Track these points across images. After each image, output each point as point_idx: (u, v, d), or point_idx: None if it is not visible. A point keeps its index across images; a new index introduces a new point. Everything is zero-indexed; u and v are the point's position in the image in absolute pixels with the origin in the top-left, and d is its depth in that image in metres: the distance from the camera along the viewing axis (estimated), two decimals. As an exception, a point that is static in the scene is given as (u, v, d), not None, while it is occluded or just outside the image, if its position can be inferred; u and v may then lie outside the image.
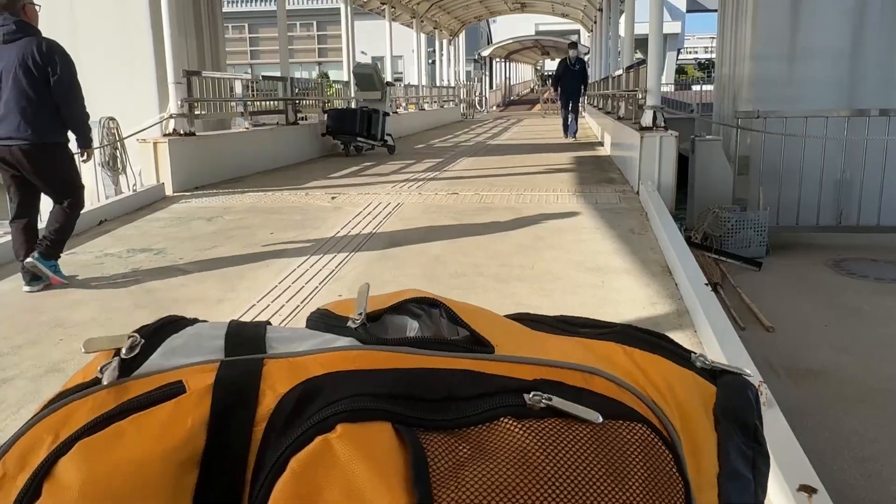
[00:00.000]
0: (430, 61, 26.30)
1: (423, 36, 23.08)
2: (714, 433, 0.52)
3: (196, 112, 8.10)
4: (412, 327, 0.61)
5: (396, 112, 15.09)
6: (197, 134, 7.96)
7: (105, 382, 0.47)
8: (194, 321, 0.56)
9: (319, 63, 51.89)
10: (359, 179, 8.48)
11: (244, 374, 0.47)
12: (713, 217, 6.47)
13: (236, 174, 8.41)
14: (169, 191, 7.23)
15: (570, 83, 14.22)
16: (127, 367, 0.48)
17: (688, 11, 46.78)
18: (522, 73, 60.88)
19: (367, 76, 11.33)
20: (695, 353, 0.57)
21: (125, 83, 8.98)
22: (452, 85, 25.93)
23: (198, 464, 0.44)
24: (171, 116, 7.65)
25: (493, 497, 0.40)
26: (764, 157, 7.01)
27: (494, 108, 37.02)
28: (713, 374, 0.56)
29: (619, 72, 12.03)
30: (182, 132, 7.68)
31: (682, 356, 0.56)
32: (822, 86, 7.87)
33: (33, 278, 4.07)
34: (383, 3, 16.49)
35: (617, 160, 9.32)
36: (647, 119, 7.04)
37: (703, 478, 0.50)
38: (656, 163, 6.63)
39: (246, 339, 0.52)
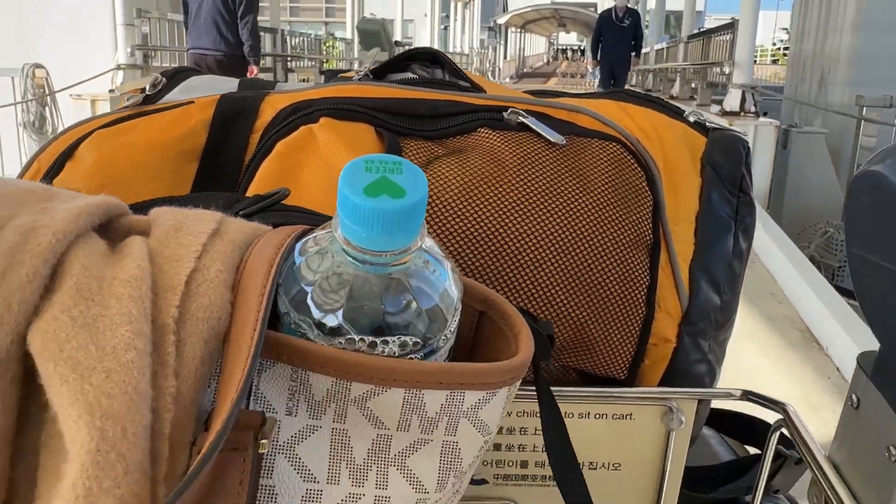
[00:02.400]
0: (443, 27, 24.45)
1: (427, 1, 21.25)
2: (699, 178, 0.54)
3: (155, 64, 6.44)
4: (412, 77, 0.62)
5: (405, 78, 13.43)
6: (153, 91, 6.33)
7: (128, 105, 0.53)
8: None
9: (326, 23, 49.80)
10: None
11: (249, 96, 0.53)
12: (824, 237, 4.82)
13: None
14: (109, 163, 5.63)
15: (615, 47, 9.43)
16: (148, 100, 0.54)
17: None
18: (536, 45, 58.77)
19: (374, 34, 9.64)
20: (689, 110, 0.59)
21: (74, 25, 7.29)
22: (466, 52, 24.09)
23: (198, 157, 0.50)
24: (118, 67, 6.00)
25: (462, 182, 0.45)
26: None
27: (507, 79, 35.12)
28: (706, 128, 0.57)
29: (661, 45, 10.42)
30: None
31: (675, 111, 0.59)
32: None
33: None
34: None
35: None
36: (733, 101, 5.41)
37: (681, 214, 0.52)
38: (747, 160, 5.01)
39: (258, 84, 0.57)
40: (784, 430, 0.46)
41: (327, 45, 11.22)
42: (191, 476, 0.23)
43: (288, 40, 9.53)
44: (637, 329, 0.48)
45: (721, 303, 0.53)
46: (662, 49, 11.41)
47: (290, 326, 0.29)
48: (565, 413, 0.44)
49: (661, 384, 0.51)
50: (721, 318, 0.53)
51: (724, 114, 5.47)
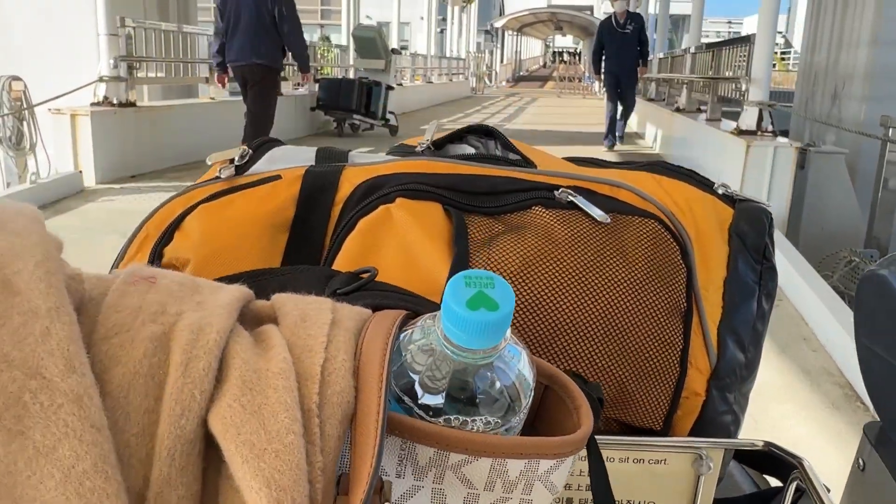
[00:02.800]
0: (439, 30, 24.16)
1: (434, 1, 20.96)
2: (727, 247, 0.59)
3: (140, 75, 6.14)
4: (469, 151, 0.67)
5: (401, 84, 13.09)
6: (138, 104, 6.01)
7: (223, 177, 0.58)
8: (283, 143, 0.66)
9: (322, 25, 49.38)
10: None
11: (329, 171, 0.59)
12: (848, 266, 4.54)
13: (194, 157, 6.48)
14: (90, 181, 5.31)
15: (619, 56, 8.67)
16: (238, 170, 0.59)
17: (707, -8, 44.70)
18: (533, 48, 58.54)
19: (370, 40, 9.33)
20: (718, 183, 0.64)
21: (56, 36, 6.97)
22: (463, 56, 23.80)
23: (287, 229, 0.56)
24: (101, 80, 5.69)
25: (521, 258, 0.51)
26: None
27: (504, 83, 34.90)
28: (733, 200, 0.62)
29: (671, 52, 10.09)
30: (116, 101, 5.72)
31: (705, 184, 0.63)
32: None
33: None
34: (393, -42, 14.37)
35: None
36: (749, 120, 5.13)
37: (711, 280, 0.58)
38: (766, 185, 4.73)
39: (333, 155, 0.62)
40: (800, 482, 0.50)
41: (322, 50, 10.89)
42: None
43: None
44: (671, 387, 0.54)
45: (745, 360, 0.58)
46: (666, 58, 11.11)
47: (395, 402, 0.35)
48: (608, 458, 0.51)
49: (691, 432, 0.56)
50: (745, 373, 0.59)
51: (740, 132, 5.19)
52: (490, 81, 30.75)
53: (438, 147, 0.66)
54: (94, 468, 0.27)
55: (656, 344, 0.53)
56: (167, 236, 0.55)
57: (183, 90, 7.76)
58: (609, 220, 0.53)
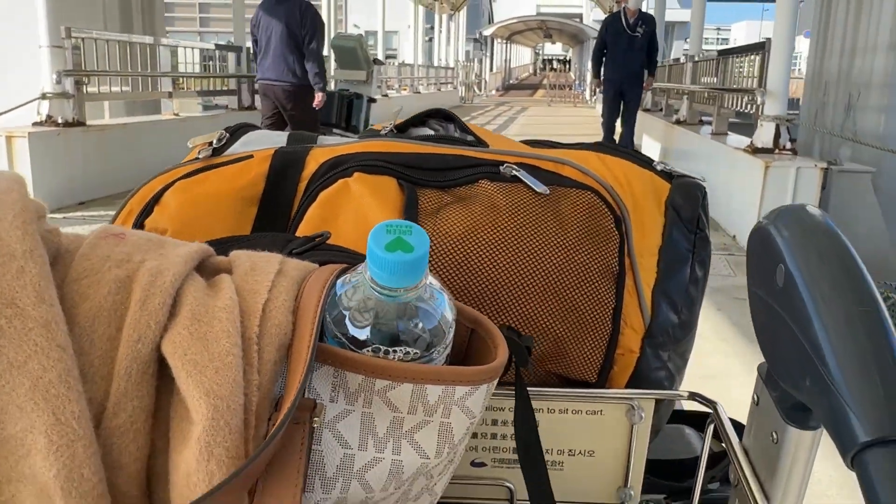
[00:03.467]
0: (427, 38, 23.67)
1: (421, 10, 20.48)
2: (662, 218, 0.64)
3: (90, 90, 5.55)
4: (429, 133, 0.74)
5: (386, 95, 12.54)
6: (88, 123, 5.42)
7: (200, 157, 0.63)
8: (259, 127, 0.71)
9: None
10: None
11: (297, 150, 0.64)
12: (886, 304, 3.99)
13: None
14: (29, 211, 4.71)
15: (625, 62, 7.31)
16: (216, 151, 0.64)
17: (696, -1, 44.49)
18: (522, 56, 58.25)
19: (350, 51, 8.76)
20: (658, 161, 0.68)
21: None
22: (451, 66, 23.31)
23: (257, 202, 0.61)
24: (43, 97, 5.11)
25: (465, 226, 0.56)
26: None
27: (494, 91, 34.46)
28: (670, 176, 0.67)
29: (675, 60, 9.54)
30: (61, 120, 5.14)
31: (646, 162, 0.68)
32: None
33: None
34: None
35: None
36: (766, 136, 4.60)
37: (646, 248, 0.62)
38: (788, 209, 4.19)
39: (303, 139, 0.68)
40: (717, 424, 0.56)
41: None
42: (270, 438, 0.34)
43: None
44: (604, 342, 0.59)
45: (679, 321, 0.63)
46: (663, 66, 10.59)
47: (332, 338, 0.39)
48: (547, 409, 0.58)
49: (627, 387, 0.61)
50: (679, 333, 0.63)
51: (755, 150, 4.66)
52: (479, 90, 30.31)
53: (402, 130, 0.74)
54: (59, 379, 0.33)
55: (589, 302, 0.57)
56: (148, 210, 0.59)
57: (149, 106, 7.16)
58: (548, 192, 0.58)
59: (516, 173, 0.59)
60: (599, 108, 21.48)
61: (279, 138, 0.67)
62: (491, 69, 35.27)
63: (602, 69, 7.55)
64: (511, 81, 44.80)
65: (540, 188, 0.58)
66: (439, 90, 20.24)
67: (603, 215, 0.59)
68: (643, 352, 0.60)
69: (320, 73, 5.17)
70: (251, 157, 0.63)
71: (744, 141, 5.24)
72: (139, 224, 0.59)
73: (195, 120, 6.86)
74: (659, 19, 14.20)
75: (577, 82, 31.92)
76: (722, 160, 5.45)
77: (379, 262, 0.37)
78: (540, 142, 0.73)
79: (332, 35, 9.66)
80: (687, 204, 0.64)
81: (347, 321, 0.39)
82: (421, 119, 0.76)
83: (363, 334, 0.38)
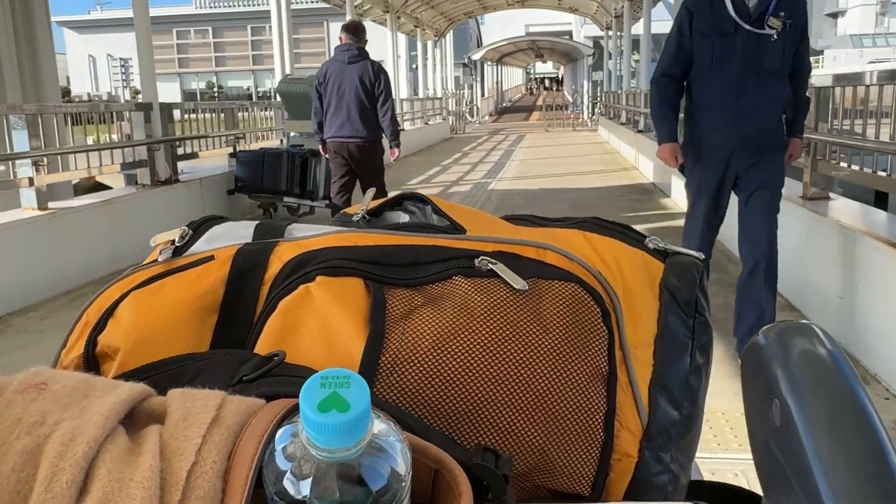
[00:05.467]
0: (412, 66, 22.04)
1: (401, 37, 18.84)
2: (657, 302, 0.58)
3: None
4: (403, 218, 0.68)
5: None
6: None
7: (160, 260, 0.59)
8: (228, 218, 0.66)
9: (254, 71, 47.26)
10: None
11: (260, 249, 0.58)
12: None
13: (10, 306, 4.11)
14: None
15: (745, 96, 2.85)
16: (178, 251, 0.60)
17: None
18: (513, 77, 56.96)
19: (300, 96, 6.99)
20: (650, 238, 0.63)
21: None
22: (439, 95, 21.63)
23: (217, 310, 0.56)
24: None
25: (436, 331, 0.51)
26: None
27: (487, 117, 32.86)
28: (664, 254, 0.61)
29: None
30: None
31: (636, 240, 0.62)
32: None
33: None
34: (341, -10, 12.17)
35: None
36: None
37: (640, 338, 0.56)
38: None
39: (271, 230, 0.62)
40: None
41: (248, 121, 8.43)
42: None
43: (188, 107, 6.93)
44: (597, 452, 0.53)
45: (680, 416, 0.56)
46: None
47: (272, 499, 0.36)
48: None
49: (626, 494, 0.55)
50: (682, 430, 0.57)
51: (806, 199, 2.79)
52: (472, 117, 28.69)
53: (377, 214, 0.68)
54: None
55: (577, 409, 0.52)
56: (101, 324, 0.55)
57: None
58: (527, 288, 0.53)
59: (492, 267, 0.54)
60: (601, 131, 19.76)
61: (246, 231, 0.62)
62: (483, 94, 33.67)
63: (687, 122, 3.12)
64: (504, 104, 43.35)
65: (518, 284, 0.53)
66: (427, 124, 18.52)
67: (588, 310, 0.54)
68: (642, 455, 0.54)
69: (395, 132, 5.36)
70: (212, 258, 0.58)
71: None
72: (92, 340, 0.54)
73: (78, 214, 5.02)
74: (645, 31, 12.82)
75: (573, 103, 30.25)
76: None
77: (311, 424, 0.34)
78: (522, 218, 0.68)
79: (280, 77, 7.81)
80: (683, 285, 0.58)
81: (286, 482, 0.35)
82: (397, 201, 0.69)
83: (302, 495, 0.35)
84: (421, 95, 19.70)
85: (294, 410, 0.38)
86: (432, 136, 18.48)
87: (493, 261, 0.54)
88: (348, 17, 12.30)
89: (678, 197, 7.56)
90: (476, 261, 0.55)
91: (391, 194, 0.71)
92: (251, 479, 0.35)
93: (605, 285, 0.56)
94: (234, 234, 0.61)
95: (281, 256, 0.57)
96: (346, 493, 0.35)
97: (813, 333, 0.40)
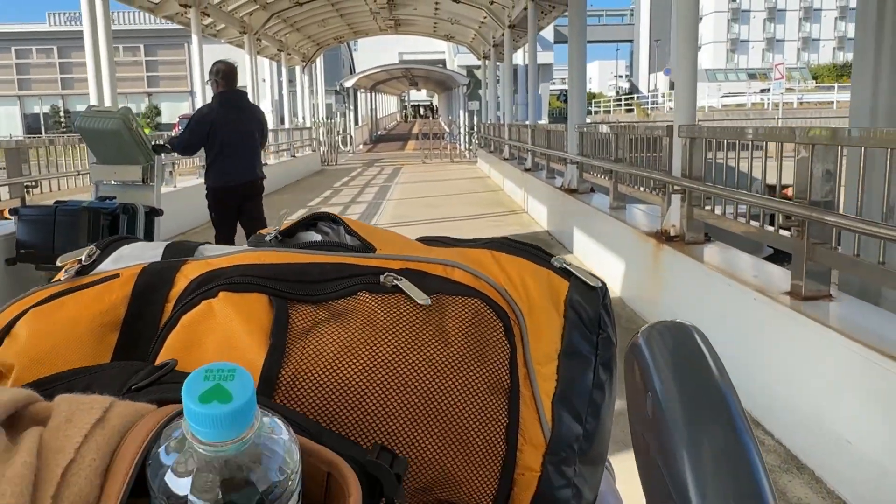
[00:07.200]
0: (278, 94, 20.30)
1: (266, 62, 17.20)
2: (562, 319, 0.58)
3: None
4: (316, 238, 0.67)
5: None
6: None
7: (64, 279, 0.58)
8: (140, 239, 0.65)
9: (150, 94, 43.96)
10: None
11: (166, 267, 0.57)
12: None
13: None
14: None
15: None
16: (84, 270, 0.59)
17: (556, 43, 44.38)
18: (388, 105, 56.11)
19: (110, 134, 5.35)
20: (556, 257, 0.63)
21: None
22: (308, 125, 20.06)
23: (118, 328, 0.54)
24: None
25: (338, 345, 0.50)
26: None
27: (361, 146, 31.54)
28: (569, 273, 0.61)
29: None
30: None
31: (543, 259, 0.62)
32: None
33: None
34: (185, 6, 10.40)
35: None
36: None
37: (545, 353, 0.56)
38: None
39: (181, 250, 0.62)
40: None
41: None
42: None
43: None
44: (498, 465, 0.52)
45: (584, 431, 0.56)
46: (519, 126, 7.87)
47: (155, 500, 0.34)
48: None
49: None
50: (585, 445, 0.56)
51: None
52: (346, 146, 27.26)
53: (290, 235, 0.67)
54: None
55: (478, 422, 0.51)
56: None
57: None
58: (429, 303, 0.53)
59: (397, 283, 0.53)
60: (481, 164, 18.95)
61: (155, 251, 0.62)
62: (356, 122, 32.32)
63: None
64: (380, 132, 42.23)
65: (421, 299, 0.53)
66: (294, 157, 16.93)
67: (490, 324, 0.54)
68: (544, 469, 0.54)
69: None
70: (117, 276, 0.57)
71: None
72: None
73: None
74: (531, 62, 12.00)
75: (449, 133, 29.50)
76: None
77: (192, 415, 0.33)
78: (436, 239, 0.67)
79: (83, 111, 6.03)
80: (587, 302, 0.59)
81: (168, 480, 0.34)
82: (312, 221, 0.68)
83: (183, 492, 0.34)
84: (288, 125, 18.02)
85: (181, 413, 0.36)
86: (300, 168, 16.92)
87: (399, 277, 0.54)
88: (195, 38, 10.60)
89: (582, 253, 6.50)
90: (381, 277, 0.54)
91: (301, 213, 0.72)
92: (131, 475, 0.34)
93: (509, 301, 0.56)
94: (143, 254, 0.62)
95: (187, 275, 0.56)
96: (229, 492, 0.34)
97: (685, 331, 0.42)
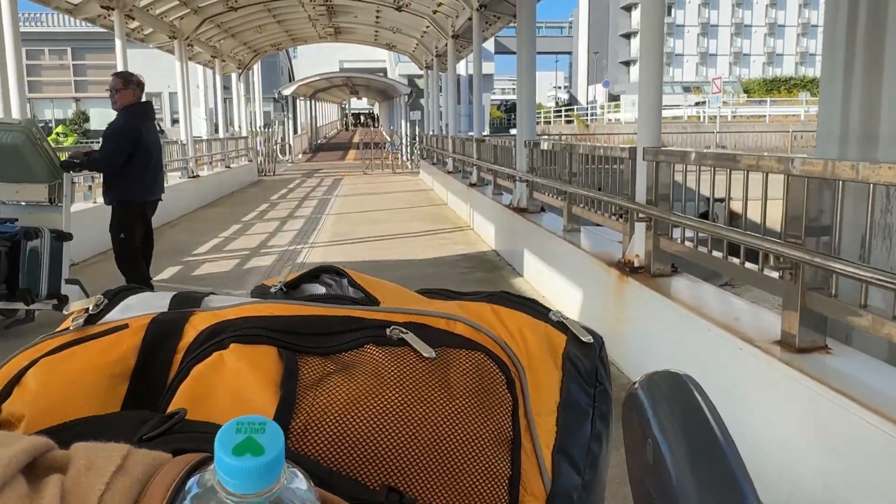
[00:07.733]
0: (213, 103, 19.47)
1: (200, 68, 16.44)
2: (559, 372, 0.59)
3: None
4: (320, 290, 0.69)
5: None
6: None
7: (72, 328, 0.58)
8: (147, 290, 0.65)
9: (77, 99, 42.01)
10: None
11: (175, 318, 0.58)
12: None
13: None
14: None
15: None
16: (91, 319, 0.59)
17: (496, 53, 44.56)
18: (329, 112, 55.24)
19: (7, 150, 4.74)
20: (553, 311, 0.64)
21: None
22: (244, 134, 19.32)
23: (128, 378, 0.54)
24: None
25: (347, 397, 0.51)
26: None
27: (301, 155, 30.78)
28: (566, 327, 0.63)
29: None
30: None
31: (541, 313, 0.64)
32: None
33: None
34: (107, 8, 9.67)
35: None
36: None
37: (544, 405, 0.57)
38: None
39: (188, 301, 0.62)
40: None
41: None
42: None
43: None
44: None
45: (582, 482, 0.57)
46: (470, 140, 7.57)
47: None
48: None
49: None
50: (583, 495, 0.57)
51: None
52: (284, 155, 26.49)
53: (295, 287, 0.68)
54: None
55: (482, 473, 0.53)
56: (6, 391, 0.53)
57: None
58: (434, 356, 0.54)
59: (403, 336, 0.55)
60: (424, 175, 18.51)
61: (162, 302, 0.62)
62: (296, 131, 31.53)
63: None
64: (320, 141, 41.42)
65: (426, 352, 0.54)
66: (229, 167, 16.21)
67: (493, 377, 0.55)
68: None
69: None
70: (126, 326, 0.58)
71: None
72: None
73: None
74: (476, 72, 11.73)
75: (390, 142, 29.00)
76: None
77: (225, 467, 0.34)
78: (437, 291, 0.69)
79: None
80: (584, 356, 0.61)
81: None
82: (315, 274, 0.70)
83: None
84: (223, 135, 17.27)
85: (203, 463, 0.38)
86: (235, 180, 16.21)
87: (405, 330, 0.55)
88: (119, 44, 9.90)
89: (534, 278, 6.15)
90: (388, 330, 0.55)
91: (306, 269, 0.71)
92: None
93: (510, 354, 0.57)
94: (150, 303, 0.61)
95: (196, 326, 0.57)
96: None
97: (681, 380, 0.43)
